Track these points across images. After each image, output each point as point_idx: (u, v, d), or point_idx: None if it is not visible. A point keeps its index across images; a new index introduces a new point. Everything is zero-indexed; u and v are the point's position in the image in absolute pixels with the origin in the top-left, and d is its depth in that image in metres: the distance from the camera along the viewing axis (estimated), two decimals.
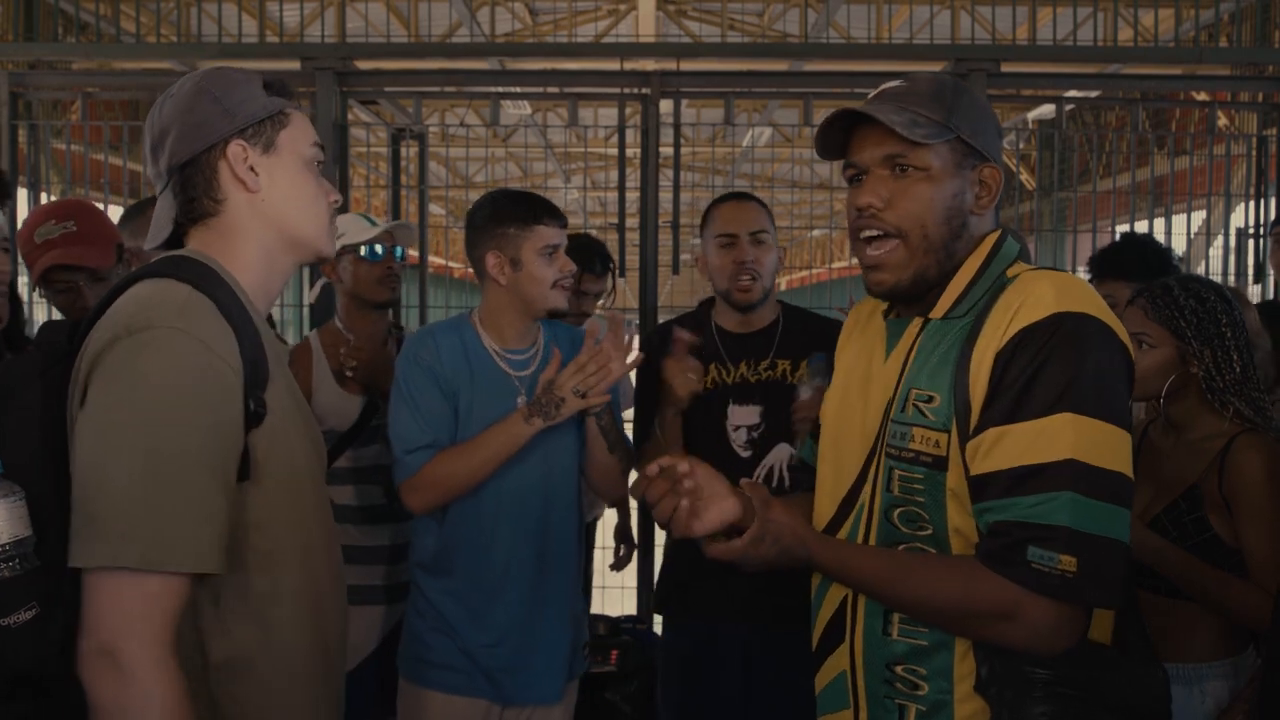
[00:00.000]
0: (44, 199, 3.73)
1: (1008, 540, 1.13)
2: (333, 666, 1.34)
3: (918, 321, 1.31)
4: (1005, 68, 3.49)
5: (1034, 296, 1.18)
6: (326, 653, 1.30)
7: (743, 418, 2.22)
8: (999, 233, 1.32)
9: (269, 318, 3.38)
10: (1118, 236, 2.85)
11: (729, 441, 2.22)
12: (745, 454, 2.21)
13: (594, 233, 3.71)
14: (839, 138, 1.33)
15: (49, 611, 1.10)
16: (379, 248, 2.39)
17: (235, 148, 1.25)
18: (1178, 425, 1.86)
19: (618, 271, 3.26)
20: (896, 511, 1.27)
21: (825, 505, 1.38)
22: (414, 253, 3.98)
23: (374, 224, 2.46)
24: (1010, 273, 1.27)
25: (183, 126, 1.25)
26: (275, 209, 1.27)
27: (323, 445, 1.39)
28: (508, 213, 2.01)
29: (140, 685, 1.05)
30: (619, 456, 2.06)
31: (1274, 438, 1.79)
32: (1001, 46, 4.96)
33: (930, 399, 1.25)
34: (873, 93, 1.33)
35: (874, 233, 1.29)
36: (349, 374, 2.36)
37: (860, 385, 1.37)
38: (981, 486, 1.17)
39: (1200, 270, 4.01)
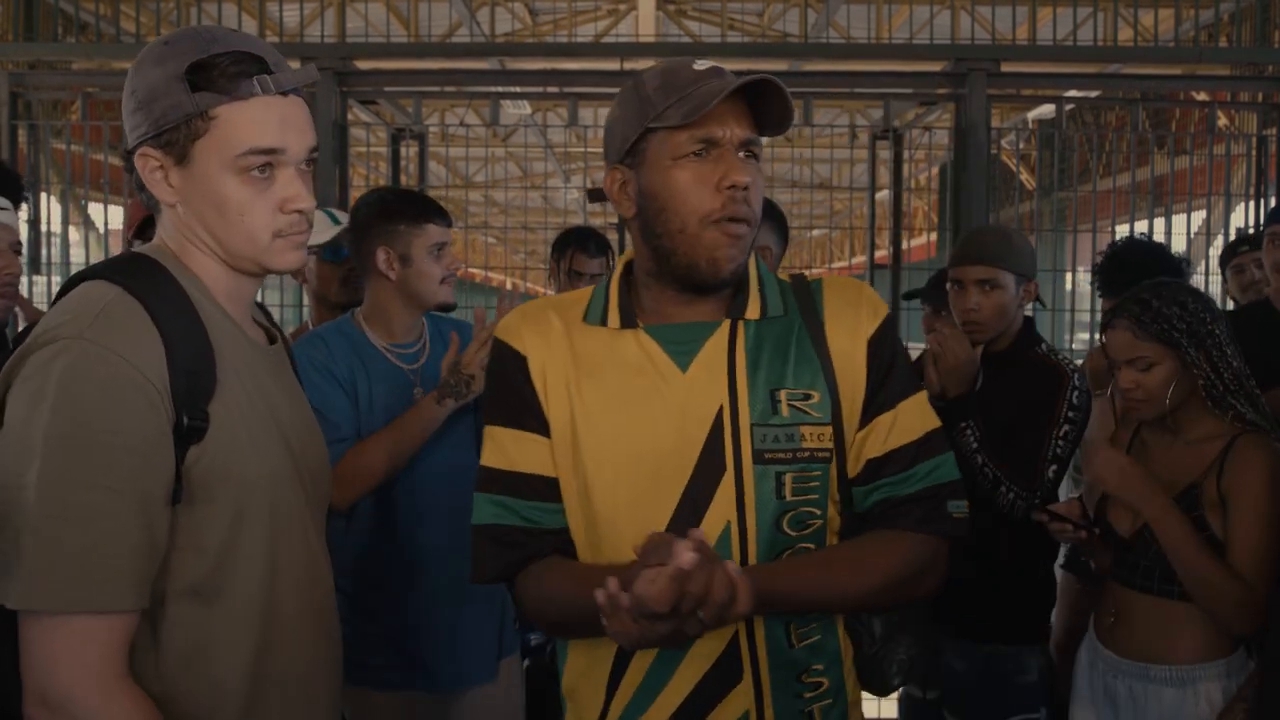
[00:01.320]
0: (44, 199, 3.73)
1: (932, 502, 1.25)
2: (309, 696, 1.20)
3: (726, 325, 1.24)
4: (1005, 68, 3.49)
5: (868, 295, 1.31)
6: (289, 684, 1.16)
7: None
8: None
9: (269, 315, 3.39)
10: (1117, 237, 2.86)
11: None
12: None
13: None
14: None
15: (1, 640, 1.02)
16: (341, 247, 2.31)
17: (142, 159, 1.09)
18: (1177, 428, 1.86)
19: (615, 256, 3.26)
20: (788, 517, 1.22)
21: (626, 540, 1.15)
22: None
23: (337, 222, 2.38)
24: (783, 276, 1.35)
25: (124, 116, 1.12)
26: (194, 223, 1.12)
27: (316, 462, 1.25)
28: (397, 210, 2.05)
29: None
30: None
31: (1276, 439, 1.79)
32: (1001, 46, 4.95)
33: (808, 396, 1.24)
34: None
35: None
36: None
37: (638, 401, 1.22)
38: (881, 465, 1.25)
39: (1200, 270, 4.01)
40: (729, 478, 1.20)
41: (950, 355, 2.12)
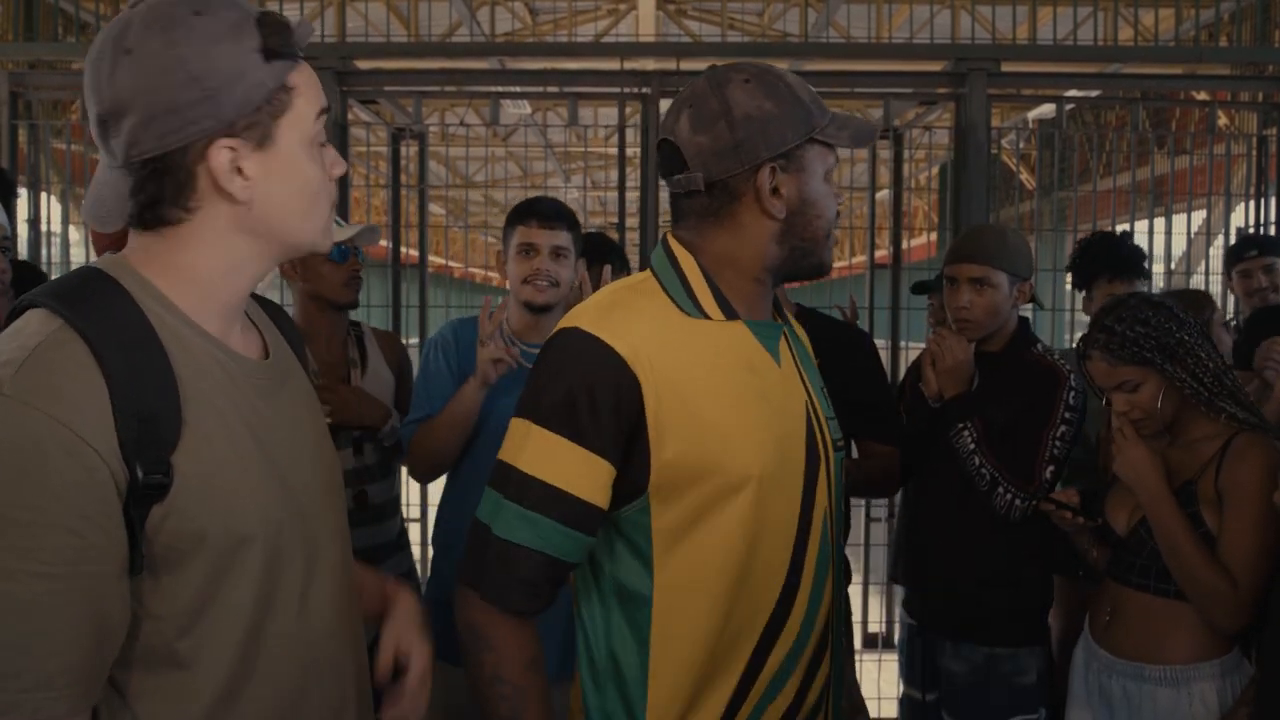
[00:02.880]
0: (44, 199, 3.73)
1: None
2: None
3: (782, 326, 1.34)
4: (1005, 67, 3.49)
5: None
6: None
7: None
8: None
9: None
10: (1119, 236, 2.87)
11: None
12: None
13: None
14: None
15: None
16: (347, 248, 2.32)
17: (219, 153, 0.93)
18: (1177, 433, 1.87)
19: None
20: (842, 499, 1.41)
21: (785, 522, 1.25)
22: (414, 252, 3.99)
23: (340, 224, 2.41)
24: None
25: (148, 108, 0.91)
26: (267, 216, 0.98)
27: (322, 494, 1.08)
28: (511, 213, 2.24)
29: None
30: None
31: (1273, 437, 1.80)
32: (1001, 46, 4.95)
33: (825, 394, 1.38)
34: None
35: None
36: (328, 419, 2.32)
37: (756, 392, 1.24)
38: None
39: (1200, 270, 4.02)
40: (824, 465, 1.28)
41: (948, 355, 2.13)
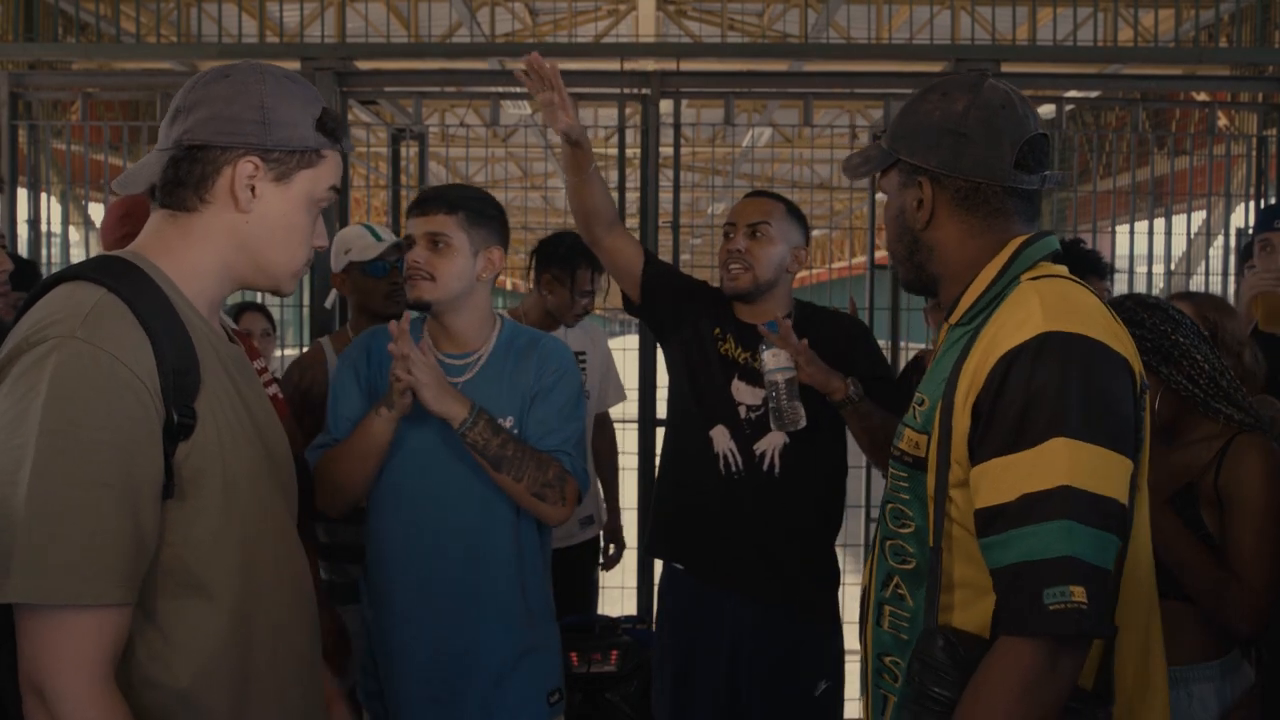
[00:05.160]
0: (44, 199, 3.73)
1: (1022, 595, 1.10)
2: (298, 686, 1.26)
3: (945, 327, 1.37)
4: (1005, 68, 3.49)
5: (1022, 313, 1.19)
6: (280, 676, 1.22)
7: (745, 396, 2.26)
8: (1023, 237, 1.31)
9: (269, 316, 3.39)
10: (1117, 236, 2.86)
11: (731, 402, 2.26)
12: (743, 417, 2.26)
13: None
14: None
15: None
16: (384, 262, 2.44)
17: (247, 164, 1.17)
18: (1174, 432, 1.87)
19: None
20: (888, 508, 1.34)
21: None
22: None
23: (379, 238, 2.50)
24: (1025, 277, 1.27)
25: (216, 111, 1.16)
26: (255, 235, 1.20)
27: (285, 456, 1.30)
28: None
29: None
30: (512, 476, 1.85)
31: (1272, 438, 1.80)
32: (1001, 46, 4.95)
33: (922, 402, 1.30)
34: None
35: None
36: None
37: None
38: (989, 520, 1.14)
39: (1200, 270, 4.02)
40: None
41: None
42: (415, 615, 1.90)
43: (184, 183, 1.17)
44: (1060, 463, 1.10)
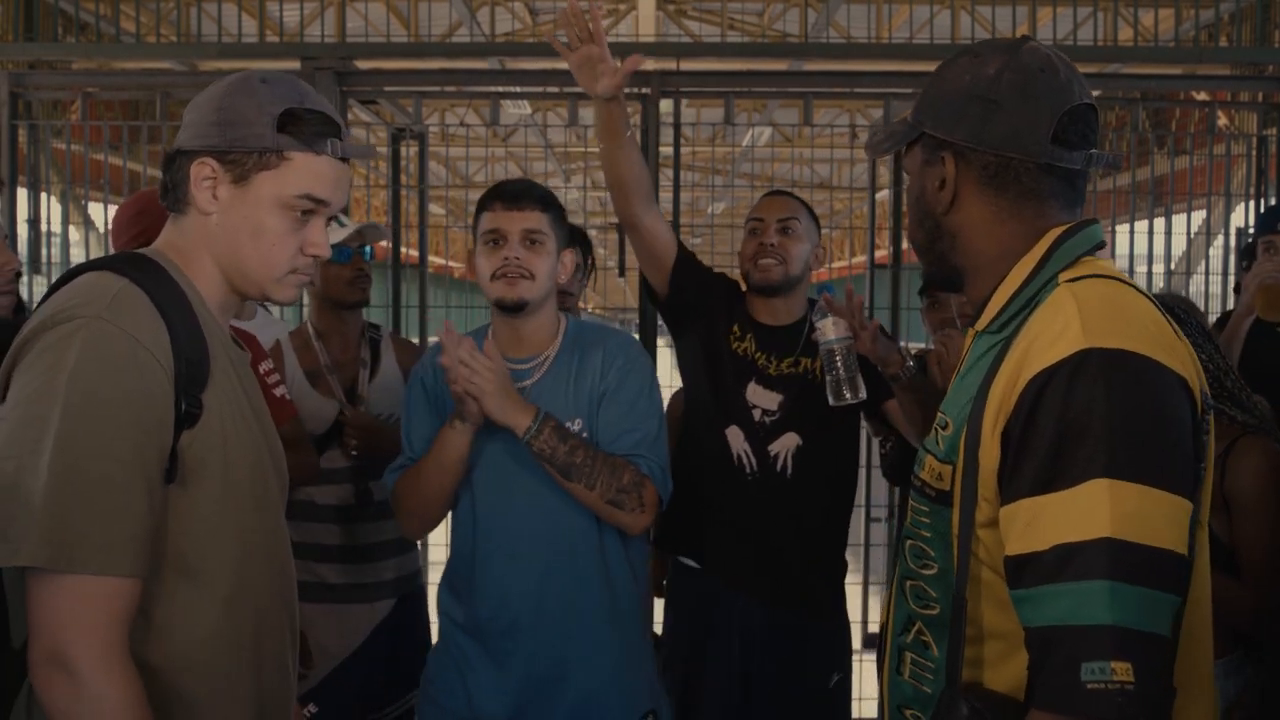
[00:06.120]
0: (44, 199, 3.73)
1: (1056, 667, 0.93)
2: (277, 683, 1.28)
3: (970, 333, 1.19)
4: None
5: (1059, 325, 1.01)
6: (261, 672, 1.23)
7: (761, 399, 2.24)
8: (1061, 229, 1.13)
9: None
10: (1117, 236, 2.85)
11: (745, 405, 2.24)
12: (757, 420, 2.23)
13: (593, 233, 3.72)
14: None
15: None
16: (348, 249, 2.37)
17: (202, 166, 1.20)
18: None
19: (596, 267, 3.24)
20: (908, 544, 1.17)
21: None
22: (414, 252, 3.98)
23: (343, 224, 2.42)
24: (1063, 277, 1.09)
25: (191, 117, 1.22)
26: (222, 237, 1.22)
27: (279, 456, 1.32)
28: (480, 203, 1.90)
29: (90, 689, 1.03)
30: (584, 484, 1.77)
31: (1274, 439, 1.80)
32: None
33: (945, 425, 1.12)
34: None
35: None
36: (352, 454, 2.33)
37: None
38: (1018, 570, 0.97)
39: (1200, 270, 4.01)
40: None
41: (954, 355, 2.13)
42: (498, 636, 1.83)
43: (169, 187, 1.23)
44: (1101, 509, 0.92)
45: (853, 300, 2.03)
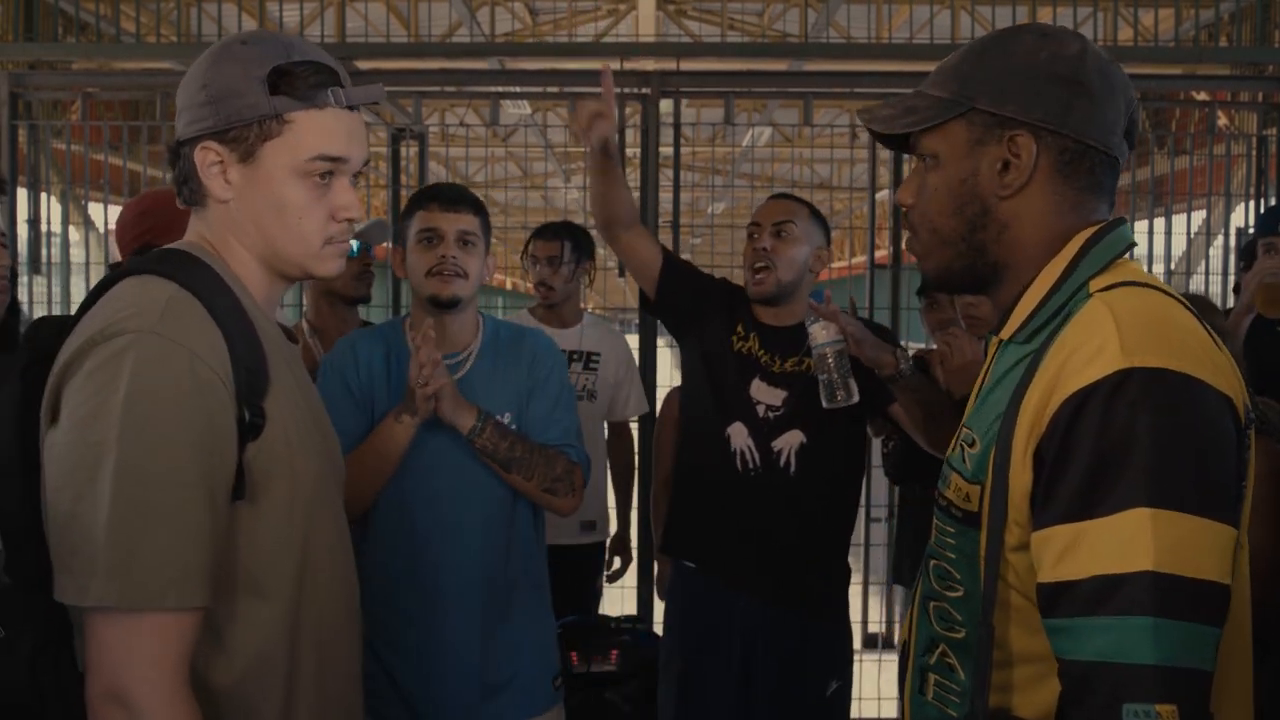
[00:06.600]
0: (44, 199, 3.73)
1: (1095, 707, 0.87)
2: (344, 692, 1.22)
3: (995, 342, 1.12)
4: None
5: (1096, 341, 0.93)
6: (325, 684, 1.17)
7: (765, 395, 2.24)
8: (1092, 229, 1.05)
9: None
10: None
11: (749, 401, 2.24)
12: (761, 415, 2.23)
13: (594, 233, 3.73)
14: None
15: (18, 631, 1.01)
16: (354, 244, 2.38)
17: (204, 152, 1.09)
18: None
19: (594, 267, 3.26)
20: (932, 564, 1.11)
21: None
22: None
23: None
24: (1093, 285, 1.01)
25: (182, 102, 1.11)
26: (247, 221, 1.12)
27: (338, 458, 1.26)
28: (409, 200, 2.00)
29: None
30: (523, 475, 1.87)
31: (1274, 439, 1.79)
32: None
33: (972, 443, 1.06)
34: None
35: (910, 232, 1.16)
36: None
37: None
38: (1052, 599, 0.91)
39: (1200, 270, 4.01)
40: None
41: (958, 354, 2.13)
42: (418, 615, 1.89)
43: (181, 180, 1.13)
44: (1142, 540, 0.86)
45: (830, 306, 2.04)
